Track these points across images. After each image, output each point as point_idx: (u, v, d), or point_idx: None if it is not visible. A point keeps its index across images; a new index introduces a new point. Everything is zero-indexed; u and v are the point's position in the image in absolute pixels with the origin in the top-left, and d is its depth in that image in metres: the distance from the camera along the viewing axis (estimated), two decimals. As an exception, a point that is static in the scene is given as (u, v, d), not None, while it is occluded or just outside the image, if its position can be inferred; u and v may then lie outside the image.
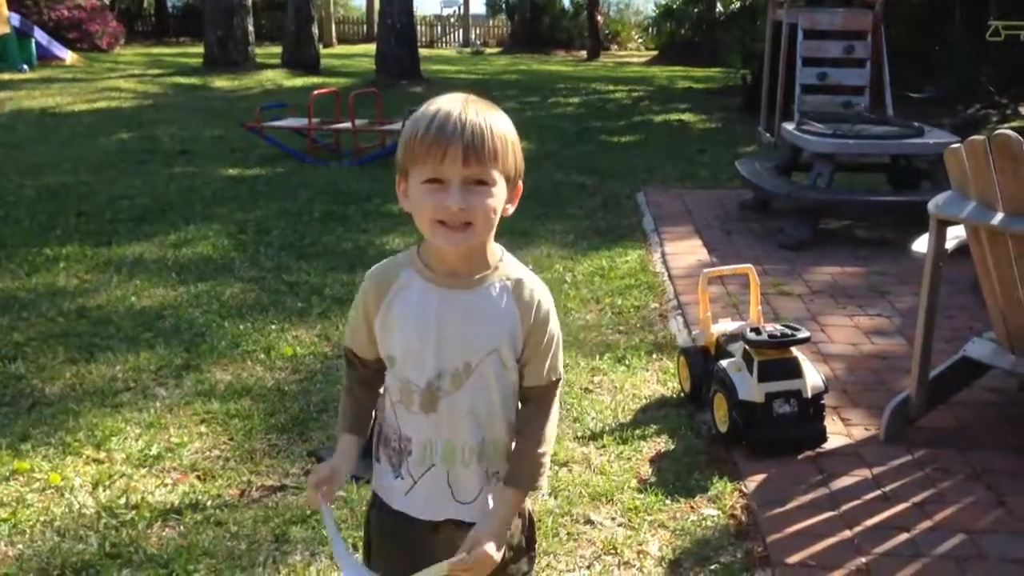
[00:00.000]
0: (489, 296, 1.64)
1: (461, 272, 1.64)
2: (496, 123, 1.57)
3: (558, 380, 1.72)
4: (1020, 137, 3.02)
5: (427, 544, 1.72)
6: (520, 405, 1.72)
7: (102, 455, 3.31)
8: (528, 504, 1.82)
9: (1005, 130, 3.09)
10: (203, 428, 3.54)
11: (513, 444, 1.71)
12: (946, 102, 12.80)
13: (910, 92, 12.55)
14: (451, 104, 1.57)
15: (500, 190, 1.58)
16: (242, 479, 3.17)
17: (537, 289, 1.68)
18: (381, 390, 1.79)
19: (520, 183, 1.65)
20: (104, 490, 3.08)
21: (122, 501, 3.02)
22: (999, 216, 3.13)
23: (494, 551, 1.63)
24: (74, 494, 3.05)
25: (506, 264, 1.68)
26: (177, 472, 3.22)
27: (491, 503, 1.70)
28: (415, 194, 1.58)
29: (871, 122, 7.05)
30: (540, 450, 1.70)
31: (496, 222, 1.61)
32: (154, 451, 3.34)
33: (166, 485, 3.13)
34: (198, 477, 3.19)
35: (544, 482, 1.73)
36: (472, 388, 1.65)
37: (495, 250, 1.67)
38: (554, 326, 1.69)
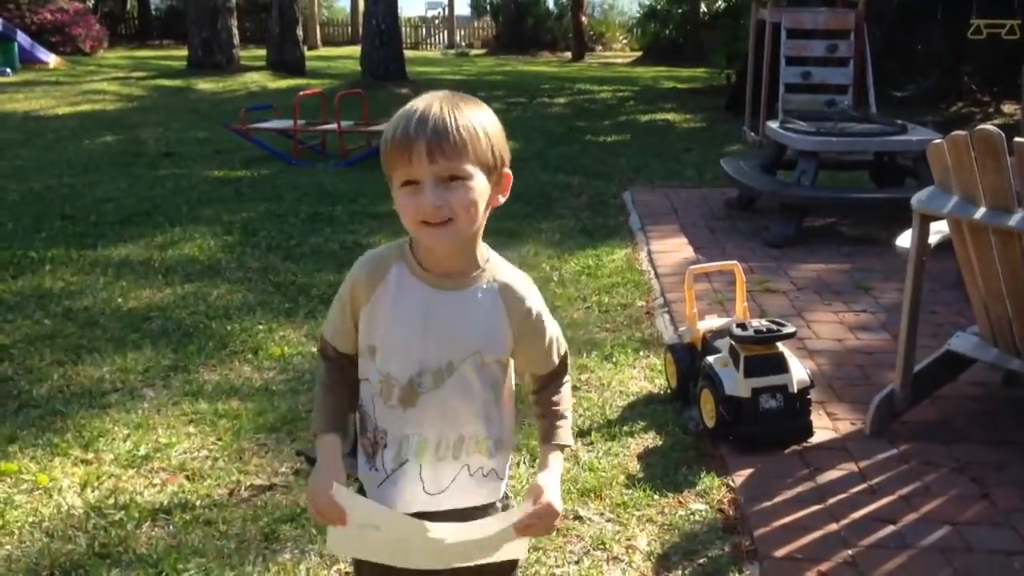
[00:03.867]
0: (476, 298, 1.65)
1: (452, 271, 1.64)
2: (464, 115, 1.54)
3: (565, 355, 1.80)
4: (1001, 133, 3.06)
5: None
6: (536, 388, 1.79)
7: (90, 456, 3.31)
8: (513, 503, 1.83)
9: (986, 126, 3.12)
10: (191, 428, 3.53)
11: (529, 418, 1.81)
12: (929, 100, 12.89)
13: (893, 90, 12.63)
14: (421, 102, 1.56)
15: (479, 182, 1.56)
16: (231, 479, 3.17)
17: (524, 290, 1.70)
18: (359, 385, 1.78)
19: (507, 171, 1.64)
20: (92, 491, 3.08)
21: (111, 501, 3.01)
22: (981, 211, 3.17)
23: (558, 503, 1.68)
24: (62, 495, 3.05)
25: (493, 264, 1.69)
26: (166, 472, 3.22)
27: (547, 461, 1.74)
28: (397, 198, 1.59)
29: (854, 120, 7.10)
30: (568, 412, 1.80)
31: (481, 215, 1.60)
32: (142, 451, 3.33)
33: (155, 485, 3.13)
34: (187, 477, 3.19)
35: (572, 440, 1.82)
36: (452, 386, 1.66)
37: (483, 250, 1.68)
38: (546, 318, 1.74)
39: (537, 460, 1.79)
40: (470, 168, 1.55)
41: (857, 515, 2.95)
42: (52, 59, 18.31)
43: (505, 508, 1.78)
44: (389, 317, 1.65)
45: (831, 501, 3.03)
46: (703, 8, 24.01)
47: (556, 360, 1.78)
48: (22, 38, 17.67)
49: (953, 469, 3.23)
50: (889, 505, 3.01)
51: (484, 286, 1.66)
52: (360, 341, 1.70)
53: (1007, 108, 12.76)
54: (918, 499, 3.04)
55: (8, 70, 16.45)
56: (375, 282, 1.66)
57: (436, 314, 1.64)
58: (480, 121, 1.56)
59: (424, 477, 1.70)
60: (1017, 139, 3.07)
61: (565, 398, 1.80)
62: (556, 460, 1.75)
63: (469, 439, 1.70)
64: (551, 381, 1.79)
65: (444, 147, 1.52)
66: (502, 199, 1.64)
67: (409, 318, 1.64)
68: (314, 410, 1.75)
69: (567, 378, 1.82)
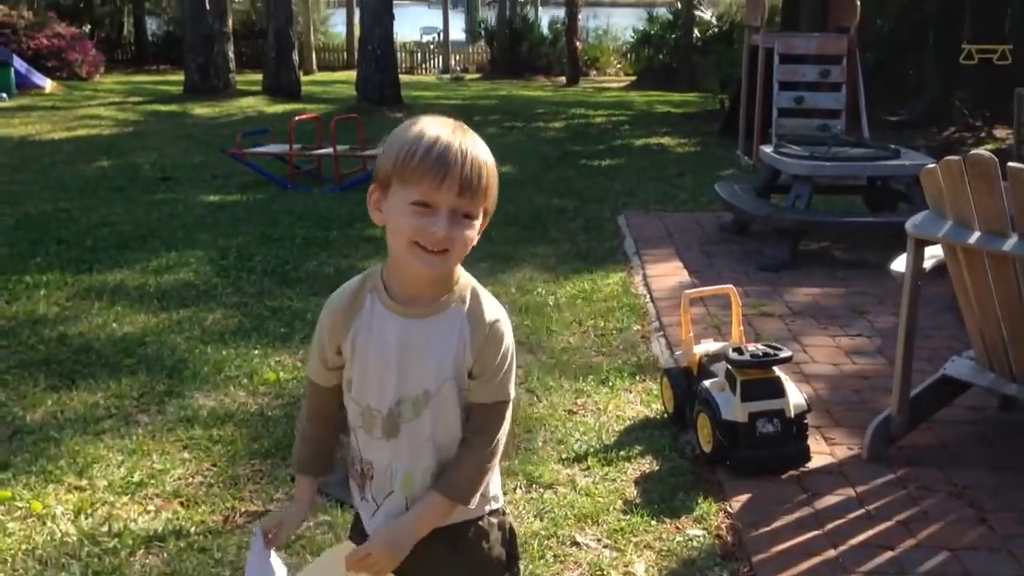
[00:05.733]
0: (446, 322, 1.64)
1: (423, 297, 1.64)
2: (489, 159, 1.60)
3: (507, 401, 1.69)
4: (994, 157, 3.07)
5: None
6: (468, 420, 1.68)
7: (84, 483, 3.29)
8: (510, 517, 1.82)
9: (980, 150, 3.14)
10: (186, 454, 3.52)
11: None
12: (921, 125, 12.96)
13: (885, 115, 12.70)
14: (447, 132, 1.57)
15: (478, 224, 1.62)
16: (226, 505, 3.15)
17: (489, 307, 1.67)
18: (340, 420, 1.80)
19: (489, 218, 1.67)
20: (86, 518, 3.06)
21: (104, 529, 2.99)
22: (975, 235, 3.18)
23: (392, 548, 1.64)
24: (56, 522, 3.03)
25: (462, 283, 1.67)
26: (160, 499, 3.20)
27: (417, 504, 1.67)
28: (397, 212, 1.58)
29: (847, 144, 7.13)
30: (483, 466, 1.67)
31: (467, 253, 1.63)
32: (136, 478, 3.31)
33: (149, 512, 3.11)
34: (181, 503, 3.17)
35: (475, 500, 1.68)
36: (431, 413, 1.65)
37: (455, 272, 1.67)
38: (507, 345, 1.67)
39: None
40: (480, 211, 1.61)
41: (855, 541, 2.94)
42: (48, 84, 18.34)
43: (501, 524, 1.76)
44: (364, 352, 1.66)
45: (829, 527, 3.03)
46: (696, 33, 24.15)
47: (498, 395, 1.67)
48: (18, 63, 17.69)
49: (951, 494, 3.23)
50: (887, 531, 3.00)
51: (453, 308, 1.65)
52: (343, 374, 1.72)
53: (999, 133, 12.83)
54: (916, 524, 3.04)
55: (4, 95, 16.47)
56: (352, 316, 1.67)
57: (409, 344, 1.64)
58: (493, 165, 1.61)
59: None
60: (1011, 164, 3.08)
61: (489, 456, 1.67)
62: (430, 507, 1.65)
63: (448, 465, 1.69)
64: (486, 423, 1.67)
65: (475, 187, 1.56)
66: (476, 239, 1.64)
67: (384, 350, 1.64)
68: (294, 449, 1.86)
69: (495, 437, 1.67)
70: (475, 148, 1.58)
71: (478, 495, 1.68)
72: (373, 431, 1.67)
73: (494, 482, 1.76)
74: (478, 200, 1.58)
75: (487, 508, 1.75)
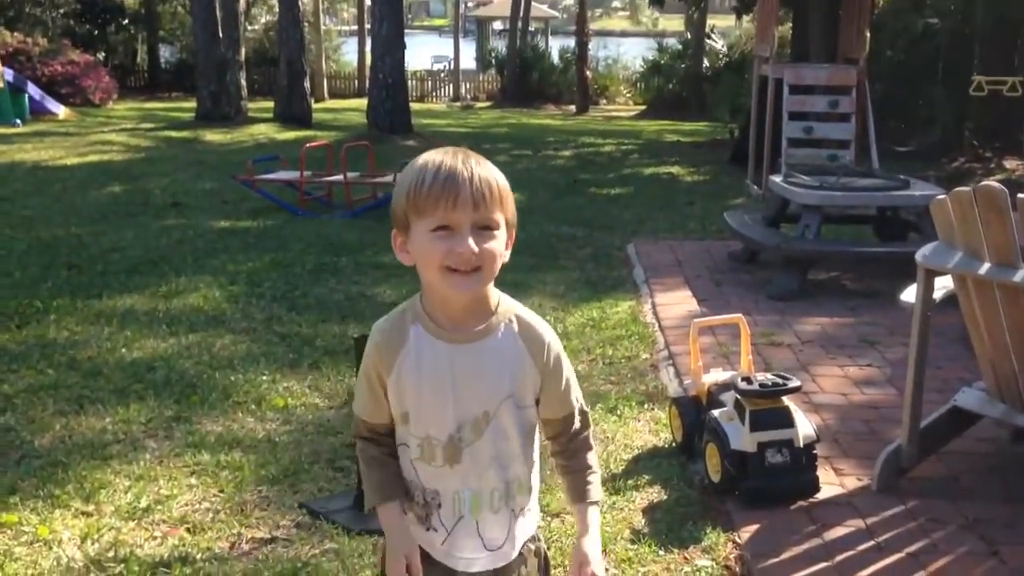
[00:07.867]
0: (497, 342, 1.67)
1: (467, 323, 1.66)
2: (496, 172, 1.62)
3: (583, 406, 1.79)
4: (1004, 188, 3.07)
5: None
6: (556, 436, 1.77)
7: (91, 508, 3.28)
8: (543, 544, 1.84)
9: (990, 182, 3.14)
10: (193, 480, 3.51)
11: (557, 469, 1.79)
12: (931, 156, 12.97)
13: (895, 146, 12.71)
14: (451, 157, 1.60)
15: (503, 235, 1.62)
16: (232, 531, 3.15)
17: (540, 326, 1.73)
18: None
19: (513, 231, 1.68)
20: (93, 543, 3.05)
21: (111, 554, 2.99)
22: (986, 266, 3.17)
23: (601, 570, 1.71)
24: (62, 547, 3.02)
25: (504, 307, 1.70)
26: (167, 525, 3.19)
27: (587, 522, 1.75)
28: (422, 243, 1.60)
29: (857, 175, 7.14)
30: (596, 467, 1.79)
31: (499, 268, 1.64)
32: (143, 504, 3.31)
33: (155, 538, 3.11)
34: (188, 530, 3.16)
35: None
36: (492, 434, 1.67)
37: (493, 293, 1.70)
38: (564, 360, 1.75)
39: (575, 519, 1.78)
40: (501, 220, 1.61)
41: (864, 573, 2.92)
42: (61, 110, 18.49)
43: (537, 552, 1.79)
44: (416, 382, 1.66)
45: (839, 558, 3.00)
46: (706, 63, 24.27)
47: (574, 404, 1.76)
48: (33, 89, 17.85)
49: (961, 526, 3.20)
50: (897, 563, 2.98)
51: (502, 330, 1.68)
52: (392, 408, 1.71)
53: (1009, 164, 12.83)
54: (926, 557, 3.01)
55: (18, 121, 16.60)
56: (396, 350, 1.67)
57: (463, 370, 1.65)
58: (503, 178, 1.64)
59: (483, 534, 1.71)
60: (1020, 195, 3.08)
61: (592, 452, 1.79)
62: (594, 520, 1.75)
63: (513, 482, 1.72)
64: (569, 429, 1.77)
65: (488, 197, 1.58)
66: (507, 256, 1.67)
67: (438, 380, 1.65)
68: (365, 490, 1.78)
69: (589, 431, 1.80)
70: (479, 164, 1.60)
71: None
72: (434, 460, 1.68)
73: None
74: (495, 209, 1.59)
75: (535, 528, 1.79)
